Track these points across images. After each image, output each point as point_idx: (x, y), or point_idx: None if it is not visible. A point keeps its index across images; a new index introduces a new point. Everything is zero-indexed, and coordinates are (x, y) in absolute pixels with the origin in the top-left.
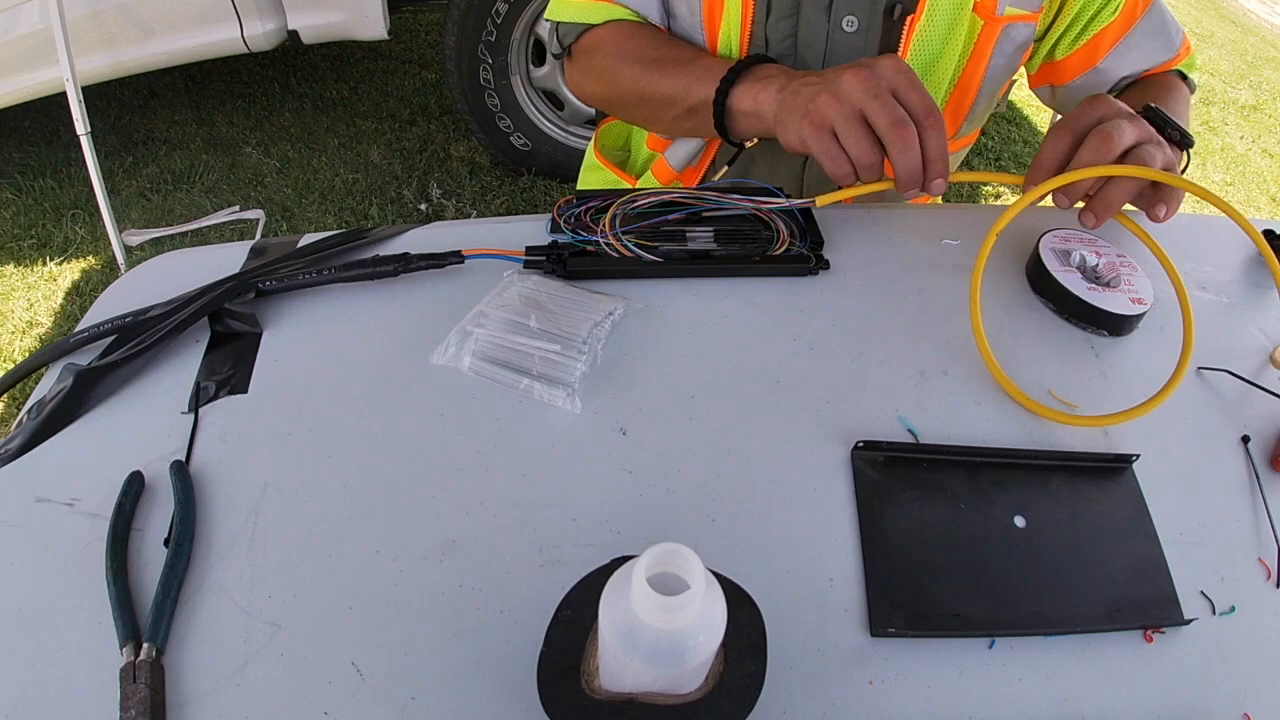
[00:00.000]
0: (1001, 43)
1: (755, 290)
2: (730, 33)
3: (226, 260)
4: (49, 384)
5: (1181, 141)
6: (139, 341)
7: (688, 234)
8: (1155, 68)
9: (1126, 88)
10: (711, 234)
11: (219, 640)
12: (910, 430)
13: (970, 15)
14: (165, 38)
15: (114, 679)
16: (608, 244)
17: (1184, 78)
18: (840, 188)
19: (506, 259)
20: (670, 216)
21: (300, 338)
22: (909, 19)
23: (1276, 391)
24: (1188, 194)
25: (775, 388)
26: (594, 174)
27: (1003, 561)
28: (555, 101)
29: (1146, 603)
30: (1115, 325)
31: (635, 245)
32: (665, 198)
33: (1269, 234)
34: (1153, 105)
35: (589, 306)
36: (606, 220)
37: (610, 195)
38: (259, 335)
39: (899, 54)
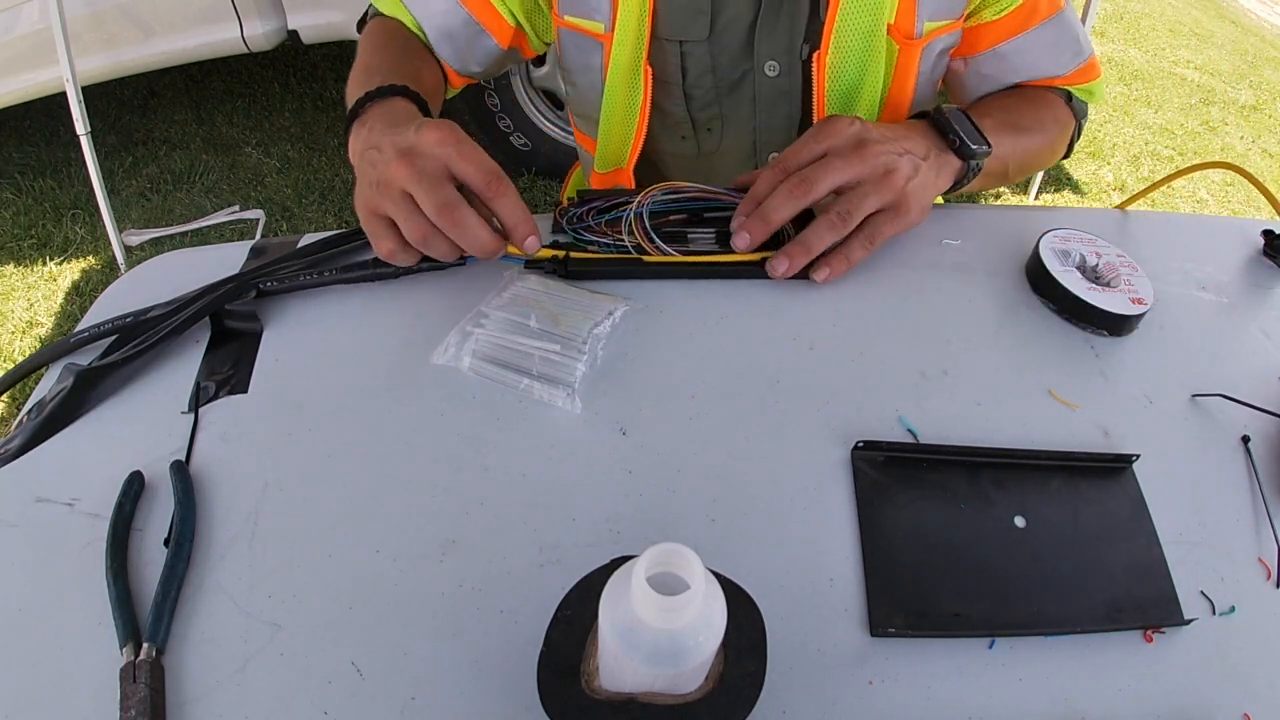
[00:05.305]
0: (925, 58)
1: (755, 290)
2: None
3: (226, 260)
4: (49, 384)
5: (960, 151)
6: (139, 341)
7: (689, 235)
8: (1037, 80)
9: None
10: (713, 235)
11: (219, 640)
12: (910, 430)
13: (886, 40)
14: (165, 38)
15: (114, 679)
16: (624, 243)
17: (1070, 99)
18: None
19: (507, 259)
20: (671, 216)
21: (300, 338)
22: (815, 55)
23: (1271, 409)
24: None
25: (775, 388)
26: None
27: (1003, 561)
28: (555, 101)
29: (1146, 603)
30: (1115, 325)
31: (637, 244)
32: (671, 198)
33: (1269, 234)
34: (942, 108)
35: (589, 306)
36: (633, 213)
37: (611, 196)
38: (259, 335)
39: (816, 91)
